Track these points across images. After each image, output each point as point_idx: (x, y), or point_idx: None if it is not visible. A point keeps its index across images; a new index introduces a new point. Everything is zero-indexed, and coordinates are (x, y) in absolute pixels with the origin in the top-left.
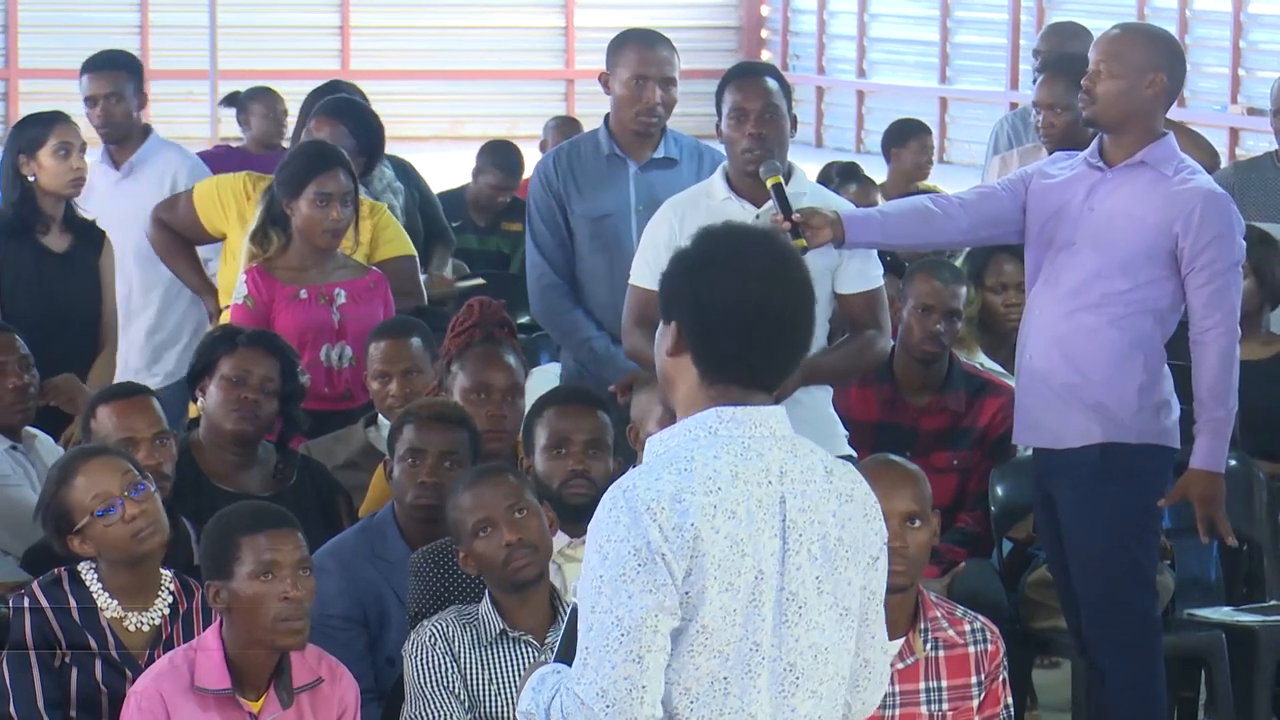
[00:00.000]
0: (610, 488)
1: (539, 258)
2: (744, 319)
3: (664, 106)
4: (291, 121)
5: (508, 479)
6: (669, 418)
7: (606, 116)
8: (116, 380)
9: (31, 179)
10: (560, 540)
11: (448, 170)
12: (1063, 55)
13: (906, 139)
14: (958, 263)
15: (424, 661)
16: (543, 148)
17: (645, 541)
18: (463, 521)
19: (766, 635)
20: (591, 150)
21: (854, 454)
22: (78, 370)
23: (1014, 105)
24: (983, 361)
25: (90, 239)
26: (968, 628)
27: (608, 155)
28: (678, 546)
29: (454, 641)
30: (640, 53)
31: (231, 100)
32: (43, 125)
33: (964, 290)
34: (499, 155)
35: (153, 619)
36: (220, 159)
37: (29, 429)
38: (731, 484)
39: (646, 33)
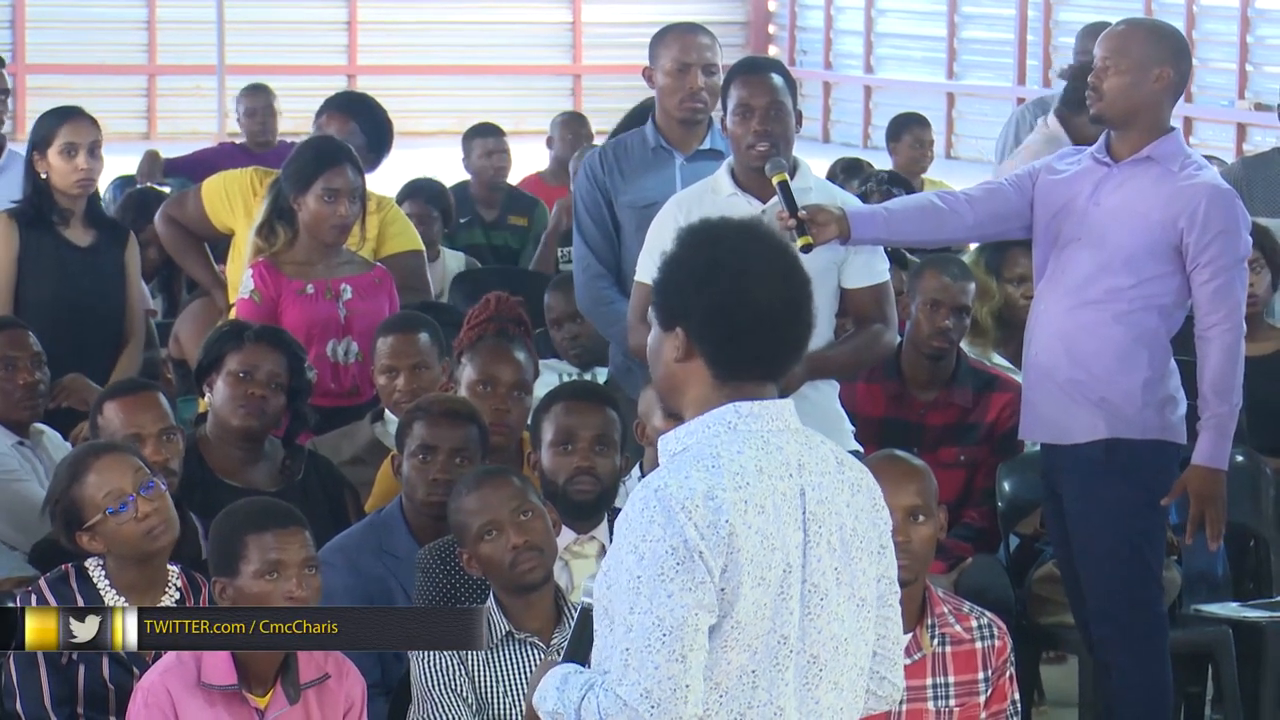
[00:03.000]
0: (638, 487)
1: (584, 249)
2: (765, 320)
3: (708, 93)
4: (299, 119)
5: (511, 481)
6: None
7: (652, 114)
8: None
9: (44, 175)
10: (566, 537)
11: (454, 166)
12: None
13: (900, 133)
14: (967, 258)
15: (431, 663)
16: (549, 144)
17: (682, 540)
18: (467, 525)
19: (793, 628)
20: (639, 144)
21: (861, 449)
22: (100, 363)
23: (1020, 100)
24: (992, 358)
25: (115, 234)
26: (975, 623)
27: (654, 148)
28: (714, 543)
29: None
30: (682, 40)
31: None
32: (53, 122)
33: (973, 286)
34: (477, 129)
35: None
36: (226, 156)
37: (36, 425)
38: (758, 478)
39: (686, 23)
